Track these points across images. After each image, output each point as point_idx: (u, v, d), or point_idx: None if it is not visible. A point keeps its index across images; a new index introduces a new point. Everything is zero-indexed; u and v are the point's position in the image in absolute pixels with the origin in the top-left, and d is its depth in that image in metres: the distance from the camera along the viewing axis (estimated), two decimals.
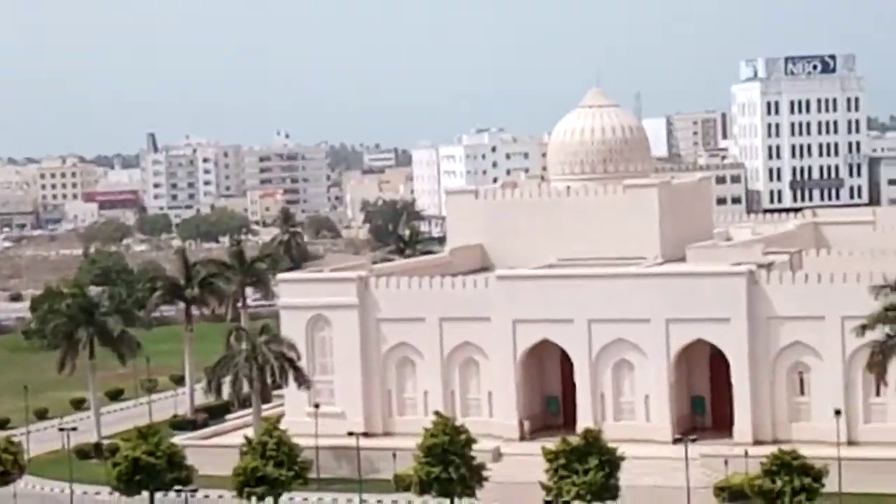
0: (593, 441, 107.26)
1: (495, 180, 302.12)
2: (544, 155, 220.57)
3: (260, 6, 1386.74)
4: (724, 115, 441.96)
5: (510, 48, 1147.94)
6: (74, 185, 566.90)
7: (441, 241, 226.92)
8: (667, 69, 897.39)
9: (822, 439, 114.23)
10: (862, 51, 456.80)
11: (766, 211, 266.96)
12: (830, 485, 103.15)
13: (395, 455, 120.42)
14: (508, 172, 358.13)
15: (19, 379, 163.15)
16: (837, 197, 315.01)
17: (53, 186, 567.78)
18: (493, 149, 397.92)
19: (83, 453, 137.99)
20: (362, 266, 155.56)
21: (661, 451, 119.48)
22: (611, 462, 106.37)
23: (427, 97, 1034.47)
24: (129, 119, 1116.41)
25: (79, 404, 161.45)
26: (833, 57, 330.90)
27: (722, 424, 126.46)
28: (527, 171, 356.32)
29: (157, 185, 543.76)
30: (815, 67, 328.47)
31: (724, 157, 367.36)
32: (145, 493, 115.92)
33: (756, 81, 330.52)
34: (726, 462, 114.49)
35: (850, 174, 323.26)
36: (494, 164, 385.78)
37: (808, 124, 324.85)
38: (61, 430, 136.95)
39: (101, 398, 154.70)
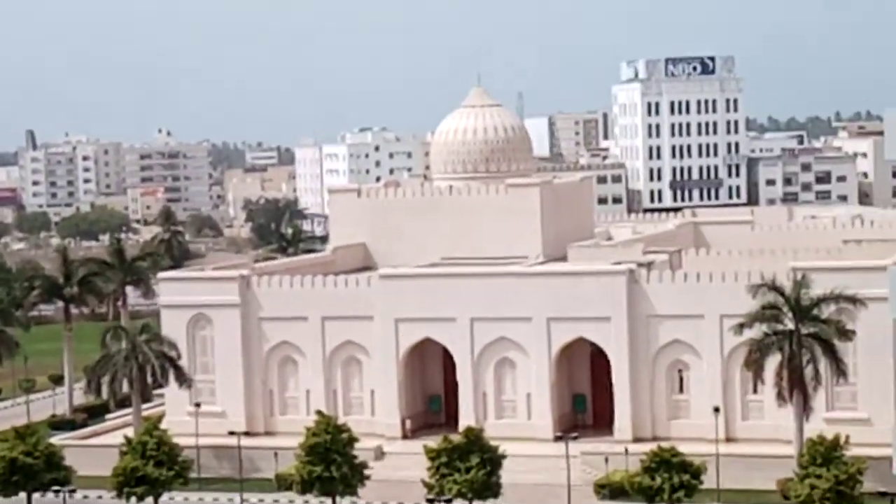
0: (475, 439, 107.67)
1: (378, 179, 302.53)
2: (427, 154, 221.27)
3: (139, 1, 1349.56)
4: (605, 116, 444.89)
5: (393, 47, 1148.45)
6: None
7: (324, 239, 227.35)
8: (549, 69, 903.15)
9: (701, 436, 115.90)
10: (741, 53, 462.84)
11: (646, 210, 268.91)
12: (709, 481, 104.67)
13: (276, 454, 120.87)
14: (391, 172, 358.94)
15: None
16: (717, 197, 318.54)
17: None
18: (377, 148, 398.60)
19: None
20: (244, 265, 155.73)
21: (543, 448, 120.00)
22: (492, 460, 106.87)
23: (310, 95, 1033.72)
24: (6, 116, 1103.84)
25: None
26: (712, 59, 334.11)
27: (603, 422, 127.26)
28: (410, 170, 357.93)
29: (35, 183, 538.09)
30: (694, 69, 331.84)
31: (605, 157, 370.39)
32: (23, 494, 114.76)
33: (637, 82, 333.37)
34: (607, 460, 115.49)
35: (729, 174, 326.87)
36: (377, 164, 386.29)
37: (688, 125, 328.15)
38: None
39: None
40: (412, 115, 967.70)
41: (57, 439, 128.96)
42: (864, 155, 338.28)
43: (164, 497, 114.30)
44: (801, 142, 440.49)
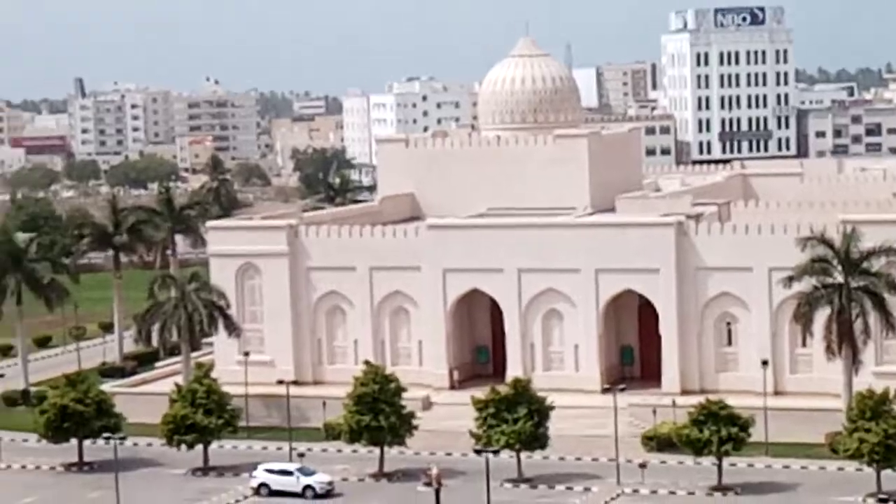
0: (522, 390, 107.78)
1: (426, 129, 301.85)
2: (475, 104, 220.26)
3: None
4: (653, 66, 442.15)
5: None
6: (1, 130, 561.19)
7: (371, 189, 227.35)
8: (597, 19, 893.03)
9: (749, 389, 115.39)
10: (791, 3, 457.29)
11: (694, 162, 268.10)
12: (757, 434, 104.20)
13: (324, 403, 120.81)
14: (439, 121, 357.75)
15: None
16: (766, 149, 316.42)
17: None
18: (424, 97, 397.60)
19: (10, 400, 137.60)
20: (292, 214, 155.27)
21: (590, 400, 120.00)
22: (540, 411, 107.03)
23: (357, 45, 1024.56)
24: (56, 64, 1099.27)
25: (6, 351, 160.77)
26: (762, 9, 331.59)
27: (650, 374, 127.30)
28: (457, 120, 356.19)
29: (84, 131, 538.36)
30: (744, 19, 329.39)
31: (653, 108, 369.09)
32: (73, 441, 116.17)
33: (685, 33, 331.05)
34: (654, 412, 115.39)
35: (779, 126, 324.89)
36: (425, 113, 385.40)
37: (738, 76, 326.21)
38: None
39: (29, 345, 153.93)
40: (460, 65, 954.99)
41: (107, 387, 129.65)
42: None
43: (214, 445, 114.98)
44: (851, 93, 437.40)
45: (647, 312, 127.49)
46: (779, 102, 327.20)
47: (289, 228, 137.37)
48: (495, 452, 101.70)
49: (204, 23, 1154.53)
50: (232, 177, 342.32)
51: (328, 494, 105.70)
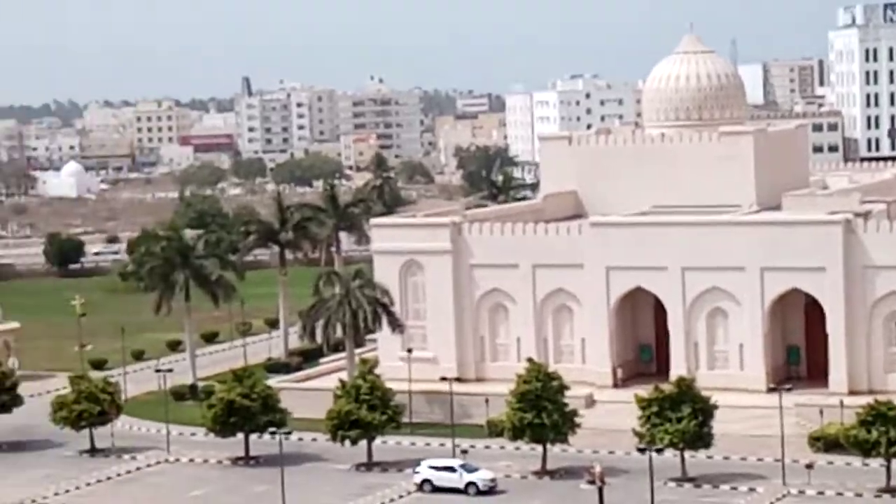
0: (686, 389, 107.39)
1: (589, 127, 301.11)
2: (639, 101, 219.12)
3: None
4: (821, 63, 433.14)
5: None
6: (170, 129, 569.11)
7: (534, 187, 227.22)
8: (763, 15, 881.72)
9: None
10: None
11: (863, 159, 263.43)
12: None
13: (487, 401, 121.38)
14: (603, 119, 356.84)
15: (116, 320, 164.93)
16: None
17: (149, 130, 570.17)
18: (588, 95, 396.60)
19: (179, 395, 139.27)
20: (455, 212, 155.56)
21: (756, 400, 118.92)
22: (704, 410, 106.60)
23: (520, 42, 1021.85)
24: (223, 63, 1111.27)
25: (174, 346, 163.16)
26: None
27: (817, 374, 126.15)
28: (621, 117, 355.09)
29: (251, 130, 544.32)
30: None
31: (820, 105, 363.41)
32: (240, 435, 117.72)
33: (854, 28, 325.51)
34: (821, 412, 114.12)
35: None
36: (588, 111, 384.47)
37: None
38: (157, 371, 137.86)
39: (197, 340, 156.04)
40: (624, 62, 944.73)
41: (273, 382, 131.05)
42: None
43: (377, 441, 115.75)
44: None
45: (813, 312, 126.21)
46: None
47: (452, 226, 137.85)
48: (659, 451, 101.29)
49: (368, 22, 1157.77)
50: (395, 174, 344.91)
51: (491, 491, 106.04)
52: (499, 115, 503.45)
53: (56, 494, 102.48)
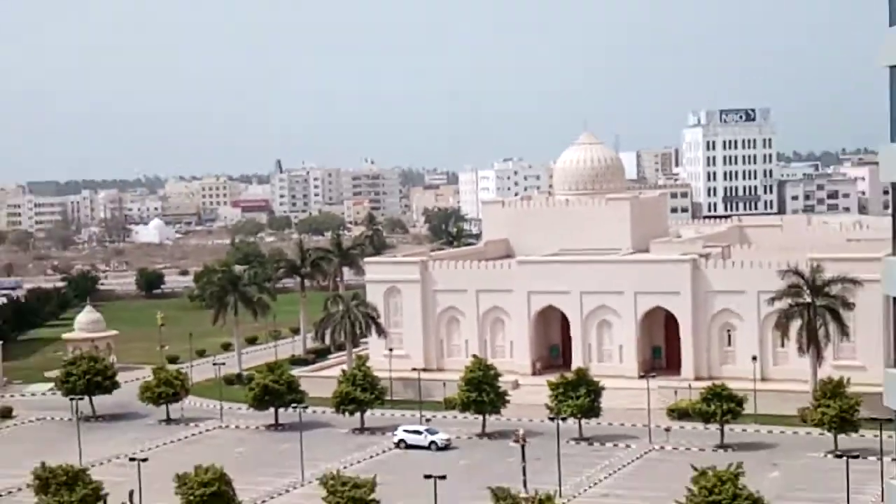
0: (583, 376, 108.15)
1: (517, 194, 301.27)
2: (551, 177, 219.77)
3: (343, 57, 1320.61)
4: (676, 151, 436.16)
5: (527, 96, 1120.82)
6: (225, 195, 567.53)
7: (478, 236, 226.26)
8: (637, 116, 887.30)
9: (744, 376, 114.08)
10: (775, 105, 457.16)
11: (705, 217, 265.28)
12: (749, 408, 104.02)
13: (444, 384, 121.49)
14: (525, 189, 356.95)
15: (186, 329, 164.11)
16: (756, 208, 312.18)
17: (210, 196, 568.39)
18: (515, 172, 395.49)
19: (229, 381, 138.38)
20: (423, 253, 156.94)
21: (630, 384, 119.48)
22: (595, 391, 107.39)
23: (469, 132, 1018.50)
24: (262, 148, 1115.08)
25: (226, 347, 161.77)
26: (754, 110, 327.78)
27: (673, 366, 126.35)
28: (538, 188, 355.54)
29: (281, 196, 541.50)
30: (741, 117, 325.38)
31: (676, 180, 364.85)
32: (271, 409, 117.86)
33: (699, 127, 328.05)
34: (676, 392, 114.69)
35: (765, 192, 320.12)
36: (516, 183, 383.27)
37: (736, 157, 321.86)
38: (214, 364, 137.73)
39: (242, 343, 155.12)
40: (541, 148, 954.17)
41: (295, 372, 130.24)
42: (863, 178, 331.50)
43: (368, 413, 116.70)
44: (816, 169, 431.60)
45: (671, 322, 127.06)
46: (765, 175, 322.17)
47: (421, 263, 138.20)
48: (563, 419, 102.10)
49: (364, 116, 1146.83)
50: (381, 228, 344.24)
51: (447, 447, 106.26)
52: (454, 186, 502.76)
53: (141, 451, 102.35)
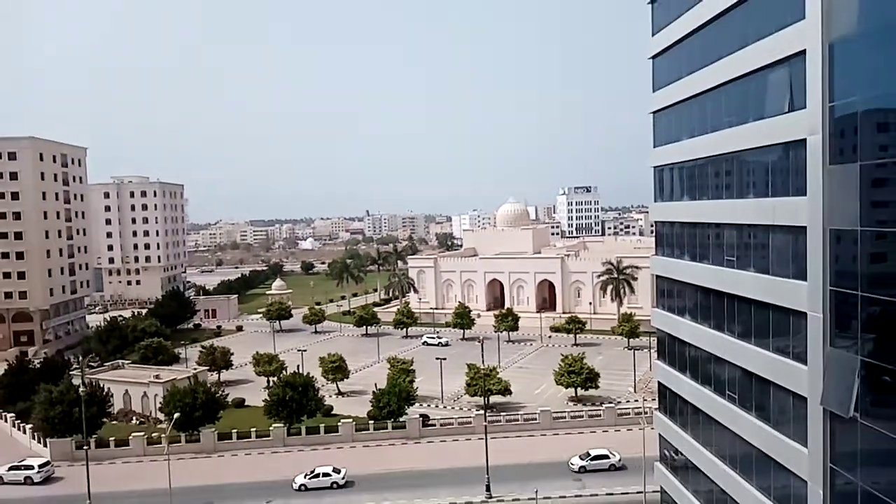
0: (510, 311, 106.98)
1: (480, 226, 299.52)
2: (495, 218, 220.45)
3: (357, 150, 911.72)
4: (554, 205, 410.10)
5: (486, 173, 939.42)
6: (341, 227, 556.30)
7: (460, 246, 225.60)
8: (535, 186, 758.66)
9: (585, 312, 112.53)
10: (598, 180, 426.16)
11: (566, 237, 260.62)
12: (588, 327, 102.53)
13: (445, 315, 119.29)
14: (483, 223, 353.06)
15: (323, 289, 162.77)
16: (592, 232, 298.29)
17: (335, 227, 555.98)
18: (479, 216, 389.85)
19: (344, 313, 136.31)
20: (435, 254, 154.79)
21: (532, 315, 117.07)
22: (515, 318, 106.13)
23: (455, 193, 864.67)
24: (356, 199, 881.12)
25: (342, 297, 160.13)
26: (589, 186, 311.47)
27: (552, 307, 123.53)
28: (489, 223, 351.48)
29: (369, 227, 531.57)
30: (583, 189, 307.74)
31: (554, 218, 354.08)
32: (364, 327, 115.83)
33: (564, 194, 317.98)
34: (553, 319, 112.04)
35: (595, 225, 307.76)
36: (479, 221, 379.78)
37: (581, 208, 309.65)
38: (337, 306, 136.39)
39: (349, 295, 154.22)
40: (491, 201, 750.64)
41: (375, 309, 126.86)
42: (641, 218, 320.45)
43: (409, 328, 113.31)
44: (619, 213, 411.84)
45: (551, 286, 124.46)
46: (595, 216, 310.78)
47: (434, 259, 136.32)
48: (501, 332, 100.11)
49: (405, 186, 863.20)
50: (415, 242, 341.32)
51: (446, 345, 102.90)
52: (450, 222, 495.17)
53: (303, 346, 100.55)
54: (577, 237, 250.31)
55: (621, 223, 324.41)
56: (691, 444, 33.53)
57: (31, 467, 58.17)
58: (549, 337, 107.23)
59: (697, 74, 31.36)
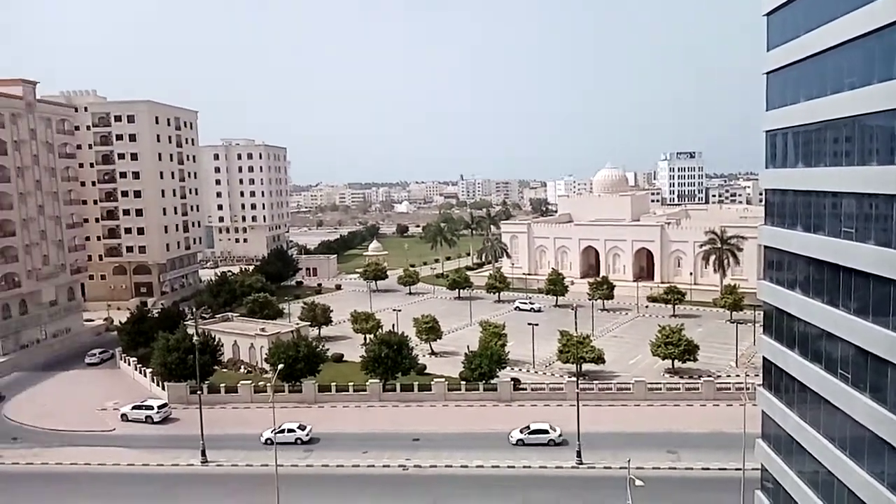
0: (605, 279, 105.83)
1: (579, 193, 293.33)
2: (592, 184, 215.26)
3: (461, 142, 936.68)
4: (654, 171, 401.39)
5: (584, 139, 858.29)
6: (435, 190, 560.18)
7: (555, 212, 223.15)
8: (634, 151, 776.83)
9: (685, 282, 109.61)
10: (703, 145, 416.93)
11: (668, 205, 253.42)
12: (687, 298, 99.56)
13: (538, 281, 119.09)
14: (579, 191, 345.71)
15: (417, 252, 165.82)
16: (694, 200, 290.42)
17: (429, 191, 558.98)
18: (574, 182, 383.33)
19: (437, 276, 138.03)
20: (528, 219, 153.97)
21: (629, 284, 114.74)
22: (611, 287, 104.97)
23: (554, 155, 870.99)
24: (453, 160, 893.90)
25: (436, 261, 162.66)
26: (693, 152, 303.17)
27: (650, 276, 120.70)
28: (590, 190, 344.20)
29: (464, 191, 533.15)
30: (686, 155, 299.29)
31: (654, 185, 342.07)
32: (457, 290, 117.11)
33: (666, 160, 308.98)
34: (650, 288, 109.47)
35: (698, 192, 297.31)
36: (574, 186, 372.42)
37: (684, 175, 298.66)
38: (431, 268, 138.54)
39: (443, 259, 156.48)
40: (588, 168, 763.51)
41: (468, 273, 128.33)
42: (749, 186, 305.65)
43: (501, 293, 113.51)
44: (726, 181, 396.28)
45: (649, 255, 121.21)
46: (698, 184, 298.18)
47: (528, 224, 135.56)
48: (595, 300, 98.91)
49: (500, 152, 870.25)
50: (509, 207, 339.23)
51: (539, 311, 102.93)
52: (544, 188, 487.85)
53: (398, 307, 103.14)
54: (679, 205, 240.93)
55: (727, 191, 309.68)
56: (797, 423, 32.31)
57: (151, 408, 63.47)
58: (646, 307, 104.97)
59: (817, 32, 29.29)
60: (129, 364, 79.07)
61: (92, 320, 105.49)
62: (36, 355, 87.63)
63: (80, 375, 79.46)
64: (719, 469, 48.41)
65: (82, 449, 56.70)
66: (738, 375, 69.05)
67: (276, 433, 53.39)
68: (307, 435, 56.07)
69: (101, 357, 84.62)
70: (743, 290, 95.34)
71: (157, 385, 70.85)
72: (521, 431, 54.72)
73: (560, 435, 54.31)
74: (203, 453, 53.42)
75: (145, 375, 74.22)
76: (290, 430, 55.93)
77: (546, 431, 54.29)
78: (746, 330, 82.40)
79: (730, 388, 63.53)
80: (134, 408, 64.02)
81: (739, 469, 44.25)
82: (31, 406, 68.67)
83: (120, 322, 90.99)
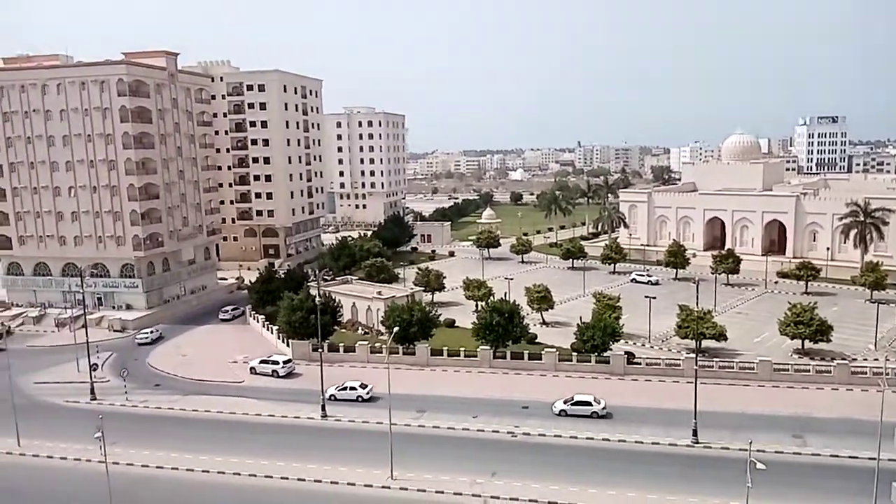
0: (731, 252, 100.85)
1: (705, 161, 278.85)
2: (720, 150, 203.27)
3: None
4: (791, 137, 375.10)
5: (712, 106, 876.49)
6: (551, 158, 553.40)
7: (678, 181, 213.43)
8: (767, 116, 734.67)
9: (820, 258, 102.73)
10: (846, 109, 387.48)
11: (804, 174, 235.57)
12: (823, 275, 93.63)
13: (656, 253, 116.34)
14: (706, 158, 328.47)
15: (531, 220, 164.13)
16: (835, 169, 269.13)
17: (544, 158, 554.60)
18: (701, 149, 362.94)
19: (551, 245, 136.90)
20: (649, 188, 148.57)
21: (757, 258, 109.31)
22: (737, 260, 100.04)
23: (675, 122, 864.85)
24: (567, 127, 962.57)
25: (550, 229, 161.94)
26: (836, 116, 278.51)
27: (781, 250, 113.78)
28: (718, 157, 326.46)
29: (578, 158, 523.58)
30: (828, 120, 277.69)
31: (790, 152, 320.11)
32: (570, 260, 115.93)
33: (805, 125, 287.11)
34: (781, 263, 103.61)
35: (840, 161, 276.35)
36: (701, 153, 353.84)
37: (824, 142, 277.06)
38: (545, 238, 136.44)
39: (556, 228, 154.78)
40: (715, 135, 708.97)
41: (583, 242, 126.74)
42: None
43: (617, 265, 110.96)
44: (871, 149, 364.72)
45: (781, 227, 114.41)
46: (840, 152, 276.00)
47: (648, 193, 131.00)
48: (719, 273, 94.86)
49: (620, 117, 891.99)
50: (629, 174, 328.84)
51: (657, 283, 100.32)
52: (667, 154, 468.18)
53: (509, 275, 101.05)
54: (817, 174, 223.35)
55: (873, 159, 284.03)
56: None
57: (277, 363, 67.80)
58: (776, 283, 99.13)
59: None
60: (258, 321, 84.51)
61: (225, 279, 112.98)
62: (176, 310, 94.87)
63: (214, 330, 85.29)
64: (850, 457, 45.52)
65: (215, 398, 60.93)
66: (876, 359, 64.01)
67: (339, 390, 57.32)
68: (367, 394, 58.57)
69: (232, 314, 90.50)
70: (887, 267, 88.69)
71: (283, 342, 75.24)
72: (565, 402, 54.47)
73: (604, 408, 53.84)
74: (323, 408, 56.34)
75: (272, 332, 79.07)
76: (353, 388, 58.78)
77: (589, 403, 53.93)
78: (888, 311, 76.52)
79: (866, 373, 59.20)
80: (261, 362, 68.58)
81: (873, 458, 41.46)
82: (172, 356, 74.46)
83: (250, 281, 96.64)
